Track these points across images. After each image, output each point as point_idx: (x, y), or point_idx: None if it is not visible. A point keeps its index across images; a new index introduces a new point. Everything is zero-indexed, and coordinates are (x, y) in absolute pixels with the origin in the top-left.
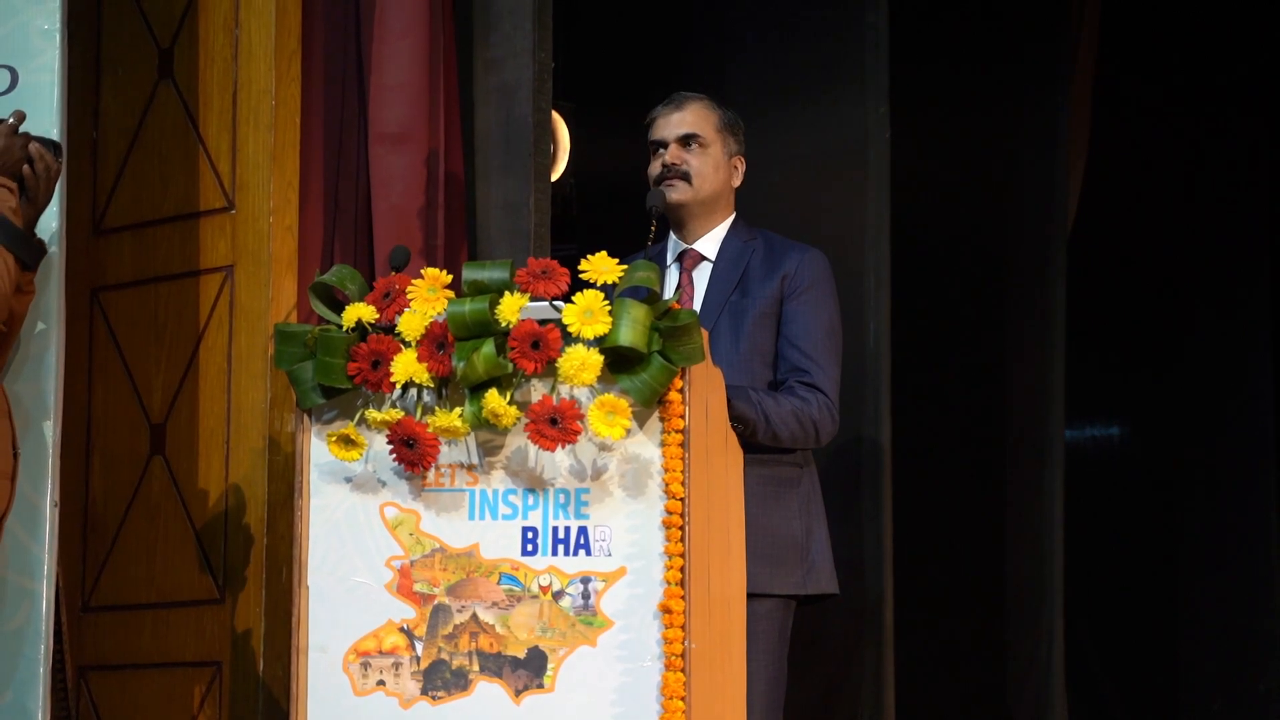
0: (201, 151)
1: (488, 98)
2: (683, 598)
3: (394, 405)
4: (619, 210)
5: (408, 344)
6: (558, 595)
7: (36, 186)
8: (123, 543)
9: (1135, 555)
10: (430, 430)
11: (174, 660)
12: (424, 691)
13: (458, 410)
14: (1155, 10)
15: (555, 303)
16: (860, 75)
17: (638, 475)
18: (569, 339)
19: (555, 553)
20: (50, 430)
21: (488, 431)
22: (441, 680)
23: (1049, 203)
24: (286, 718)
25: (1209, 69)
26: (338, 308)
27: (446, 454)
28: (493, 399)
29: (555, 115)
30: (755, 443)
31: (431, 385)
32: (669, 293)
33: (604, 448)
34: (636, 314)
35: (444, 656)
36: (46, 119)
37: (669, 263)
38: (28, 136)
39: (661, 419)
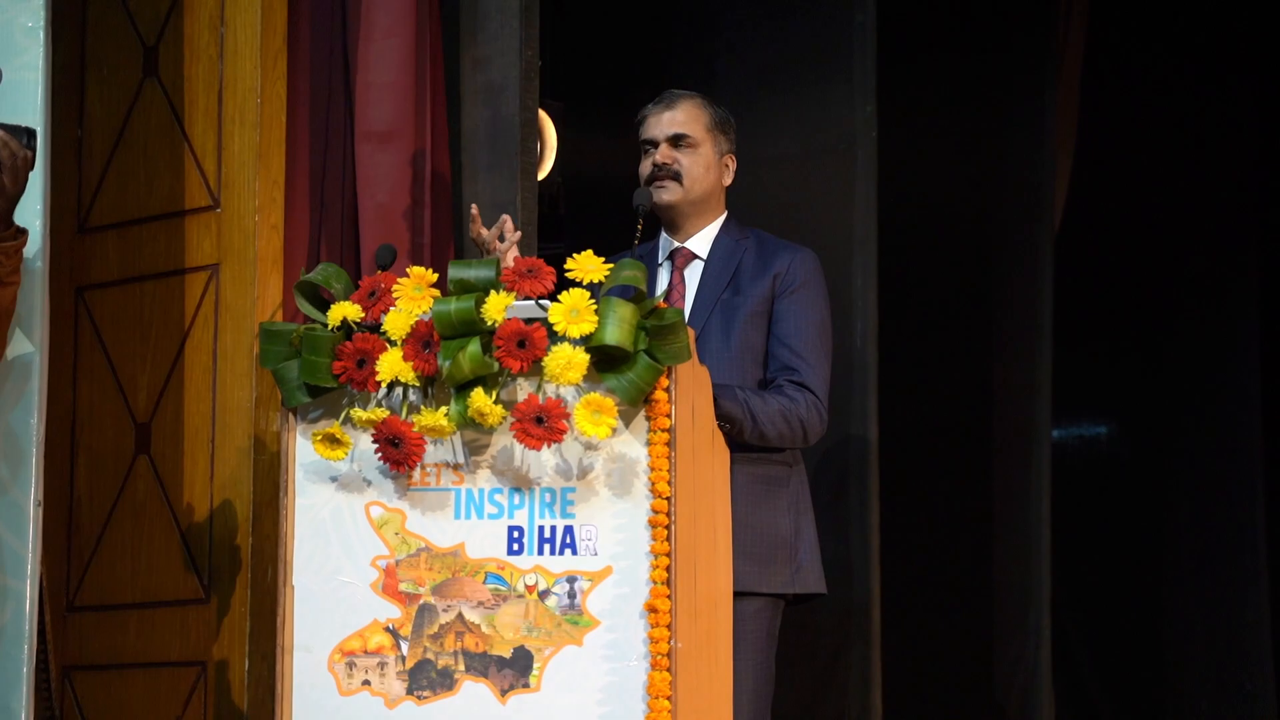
0: (187, 150)
1: (474, 96)
2: (669, 597)
3: (379, 404)
4: (606, 209)
5: (393, 343)
6: (544, 595)
7: (1, 176)
8: (107, 542)
9: (1122, 554)
10: (416, 429)
11: (159, 660)
12: (409, 691)
13: (443, 409)
14: (1141, 6)
15: (541, 301)
16: (848, 75)
17: (624, 474)
18: (555, 338)
19: (541, 552)
20: (34, 428)
21: (473, 430)
22: (427, 680)
23: (1036, 200)
24: (272, 718)
25: (1196, 64)
26: (323, 306)
27: (432, 453)
28: (478, 398)
29: (542, 114)
30: (743, 442)
31: (417, 384)
32: (660, 291)
33: (590, 447)
34: (623, 313)
35: (429, 656)
36: (30, 117)
37: (660, 261)
38: None
39: (648, 418)
